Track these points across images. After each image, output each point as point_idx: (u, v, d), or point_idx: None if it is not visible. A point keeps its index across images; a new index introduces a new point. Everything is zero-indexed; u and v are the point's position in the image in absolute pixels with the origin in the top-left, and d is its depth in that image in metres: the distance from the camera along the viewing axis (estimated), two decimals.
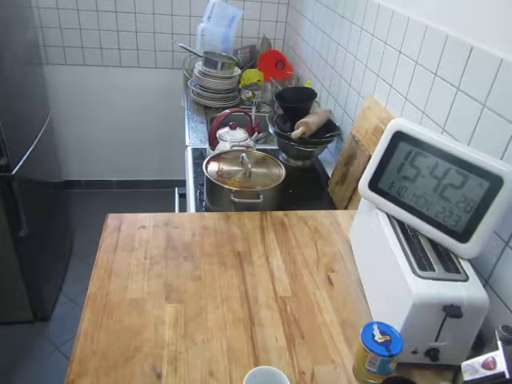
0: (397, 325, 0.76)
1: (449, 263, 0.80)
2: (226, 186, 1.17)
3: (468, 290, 0.74)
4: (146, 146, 2.93)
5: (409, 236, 0.87)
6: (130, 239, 1.05)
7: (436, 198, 0.84)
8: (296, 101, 1.70)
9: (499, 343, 0.67)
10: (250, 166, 1.23)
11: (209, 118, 2.01)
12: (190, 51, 2.32)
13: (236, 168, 1.26)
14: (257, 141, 1.60)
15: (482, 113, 0.93)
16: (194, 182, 1.47)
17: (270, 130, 1.64)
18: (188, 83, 2.26)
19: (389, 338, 0.74)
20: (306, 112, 1.66)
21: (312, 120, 1.57)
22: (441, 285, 0.75)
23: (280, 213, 1.21)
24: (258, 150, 1.45)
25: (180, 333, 0.83)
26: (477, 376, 0.66)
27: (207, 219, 1.15)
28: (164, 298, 0.90)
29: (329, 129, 1.65)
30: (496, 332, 0.68)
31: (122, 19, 2.48)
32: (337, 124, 1.69)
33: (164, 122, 2.85)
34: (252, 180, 1.23)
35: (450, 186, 0.82)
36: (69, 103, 2.70)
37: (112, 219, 1.11)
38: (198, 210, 1.33)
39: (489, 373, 0.65)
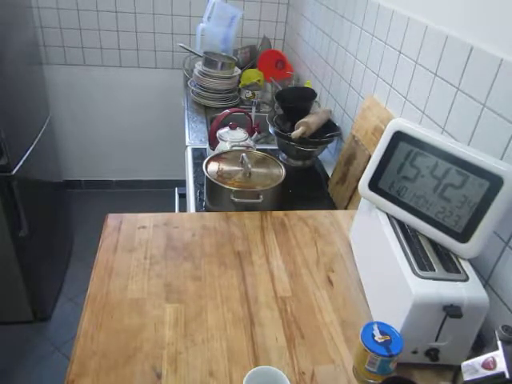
0: (397, 325, 0.76)
1: (449, 263, 0.80)
2: (226, 186, 1.17)
3: (468, 290, 0.74)
4: (146, 145, 2.93)
5: (409, 236, 0.87)
6: (130, 239, 1.05)
7: (436, 198, 0.84)
8: (296, 101, 1.70)
9: (499, 343, 0.67)
10: (250, 165, 1.23)
11: (209, 117, 2.01)
12: (190, 51, 2.32)
13: (236, 168, 1.26)
14: (257, 141, 1.60)
15: (481, 113, 0.93)
16: (194, 182, 1.47)
17: (270, 130, 1.64)
18: (188, 83, 2.26)
19: (389, 338, 0.74)
20: (306, 112, 1.66)
21: (312, 120, 1.57)
22: (441, 285, 0.75)
23: (280, 213, 1.21)
24: (257, 150, 1.45)
25: (180, 333, 0.83)
26: (477, 376, 0.66)
27: (207, 219, 1.15)
28: (164, 298, 0.90)
29: (329, 129, 1.65)
30: (496, 332, 0.68)
31: (122, 19, 2.48)
32: (337, 124, 1.69)
33: (164, 121, 2.85)
34: (252, 180, 1.23)
35: (450, 186, 0.82)
36: (69, 103, 2.70)
37: (112, 219, 1.11)
38: (198, 210, 1.33)
39: (489, 373, 0.65)
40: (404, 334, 0.75)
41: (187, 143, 1.77)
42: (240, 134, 1.49)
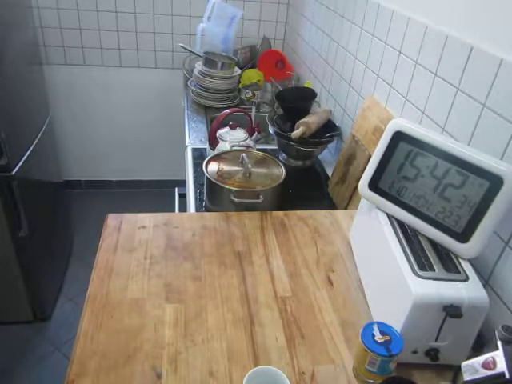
0: (397, 325, 0.76)
1: (449, 263, 0.80)
2: (226, 186, 1.17)
3: (468, 290, 0.74)
4: (146, 146, 2.93)
5: (409, 236, 0.87)
6: (130, 239, 1.05)
7: (436, 198, 0.84)
8: (296, 101, 1.70)
9: (499, 343, 0.67)
10: (250, 165, 1.23)
11: (209, 117, 2.01)
12: (190, 51, 2.32)
13: (236, 168, 1.26)
14: (257, 141, 1.60)
15: (481, 113, 0.93)
16: (194, 182, 1.47)
17: (270, 130, 1.64)
18: (188, 83, 2.26)
19: (389, 338, 0.74)
20: (306, 112, 1.66)
21: (312, 120, 1.57)
22: (441, 285, 0.75)
23: (280, 213, 1.21)
24: (257, 150, 1.45)
25: (180, 333, 0.83)
26: (477, 376, 0.66)
27: (207, 219, 1.15)
28: (164, 298, 0.90)
29: (329, 129, 1.65)
30: (496, 332, 0.68)
31: (122, 19, 2.48)
32: (337, 124, 1.69)
33: (164, 122, 2.85)
34: (252, 180, 1.23)
35: (450, 186, 0.82)
36: (69, 103, 2.70)
37: (112, 219, 1.11)
38: (198, 210, 1.33)
39: (489, 373, 0.65)
40: (404, 334, 0.75)
41: (187, 143, 1.77)
42: (240, 134, 1.49)
